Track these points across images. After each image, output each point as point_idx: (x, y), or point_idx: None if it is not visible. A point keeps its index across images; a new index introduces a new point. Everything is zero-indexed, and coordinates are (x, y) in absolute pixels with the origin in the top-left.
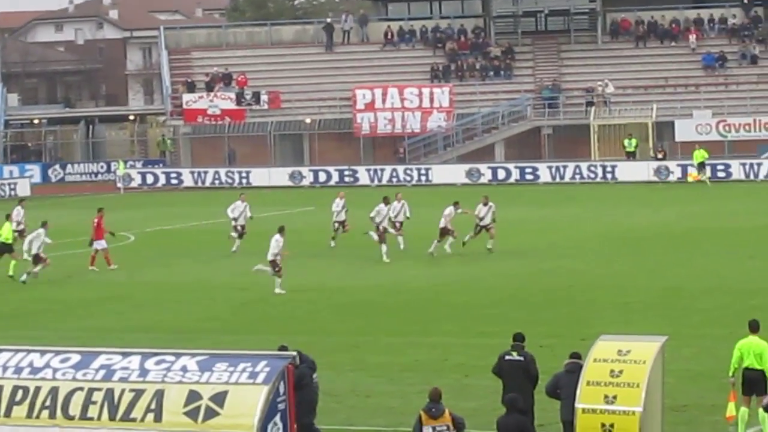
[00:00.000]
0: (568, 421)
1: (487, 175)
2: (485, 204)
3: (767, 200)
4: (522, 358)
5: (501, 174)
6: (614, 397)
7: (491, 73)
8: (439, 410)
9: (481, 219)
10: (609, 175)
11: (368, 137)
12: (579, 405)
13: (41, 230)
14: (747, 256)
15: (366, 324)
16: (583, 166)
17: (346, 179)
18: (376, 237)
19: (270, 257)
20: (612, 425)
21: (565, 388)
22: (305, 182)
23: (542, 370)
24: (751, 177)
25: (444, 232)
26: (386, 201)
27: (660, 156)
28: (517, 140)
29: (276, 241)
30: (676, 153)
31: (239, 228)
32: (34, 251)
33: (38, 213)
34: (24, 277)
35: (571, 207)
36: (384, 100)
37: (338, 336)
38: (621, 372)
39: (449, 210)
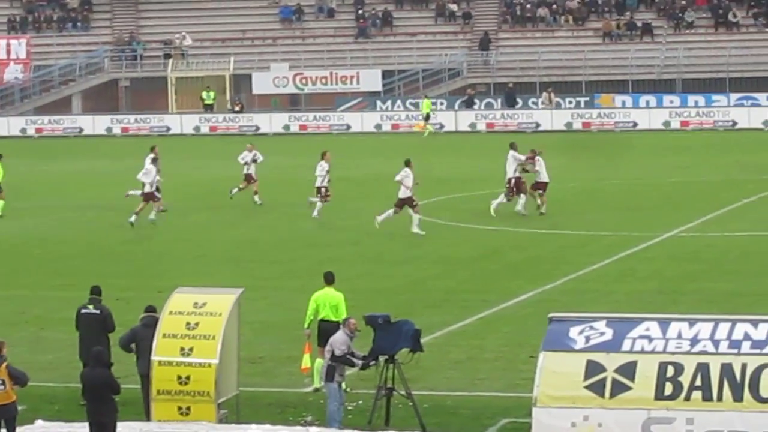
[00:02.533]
0: (145, 374)
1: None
2: (534, 157)
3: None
4: (98, 312)
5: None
6: (190, 350)
7: (69, 24)
8: None
9: (537, 174)
10: (187, 128)
11: None
12: (155, 357)
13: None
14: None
15: None
16: (161, 117)
17: None
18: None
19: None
20: (188, 377)
21: (141, 341)
22: None
23: (119, 323)
24: (330, 131)
25: (520, 189)
26: (408, 164)
27: (237, 108)
28: (95, 92)
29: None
30: (253, 105)
31: (249, 176)
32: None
33: None
34: (152, 215)
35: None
36: None
37: None
38: (197, 324)
39: (513, 156)
